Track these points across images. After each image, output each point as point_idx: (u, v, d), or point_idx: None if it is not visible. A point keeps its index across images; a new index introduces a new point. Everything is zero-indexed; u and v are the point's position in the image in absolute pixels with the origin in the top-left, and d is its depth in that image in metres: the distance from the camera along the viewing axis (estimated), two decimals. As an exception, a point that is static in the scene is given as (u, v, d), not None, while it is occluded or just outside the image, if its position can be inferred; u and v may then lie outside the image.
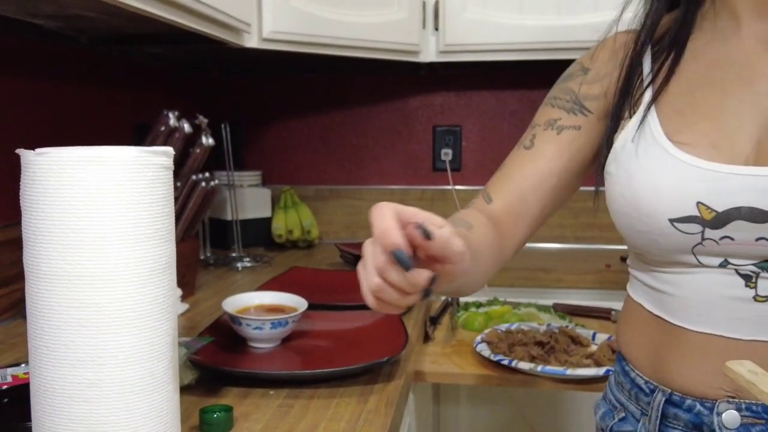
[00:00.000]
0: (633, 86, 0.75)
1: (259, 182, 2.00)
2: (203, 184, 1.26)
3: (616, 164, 0.73)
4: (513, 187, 0.79)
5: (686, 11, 0.76)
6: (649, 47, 0.76)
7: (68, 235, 0.54)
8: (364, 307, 1.13)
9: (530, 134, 0.81)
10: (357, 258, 1.59)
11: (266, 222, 1.94)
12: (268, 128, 2.11)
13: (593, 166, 0.80)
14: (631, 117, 0.74)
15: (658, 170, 0.68)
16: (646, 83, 0.74)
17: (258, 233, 1.93)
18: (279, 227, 1.91)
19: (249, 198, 1.92)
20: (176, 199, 1.25)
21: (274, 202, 1.99)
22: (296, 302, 1.01)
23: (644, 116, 0.72)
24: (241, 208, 1.85)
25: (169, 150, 0.60)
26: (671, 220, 0.67)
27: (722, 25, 0.74)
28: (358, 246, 1.77)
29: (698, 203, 0.65)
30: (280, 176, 2.11)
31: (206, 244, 1.77)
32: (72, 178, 0.54)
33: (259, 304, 1.02)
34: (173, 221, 0.62)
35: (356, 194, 2.07)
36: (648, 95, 0.73)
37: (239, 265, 1.65)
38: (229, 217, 1.83)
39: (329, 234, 2.06)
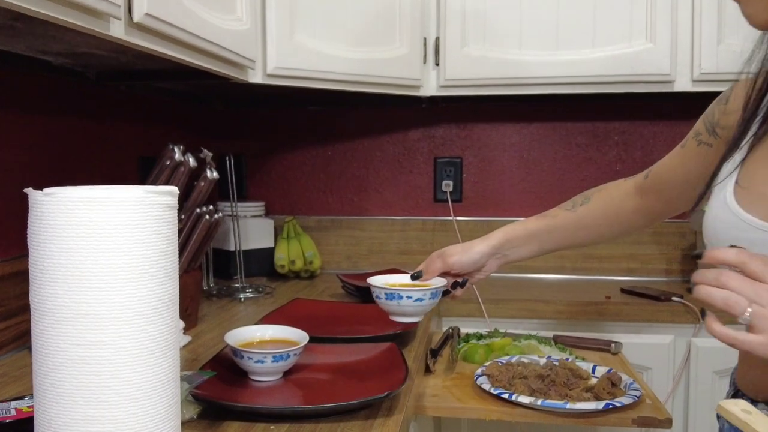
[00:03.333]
0: (744, 131, 0.81)
1: (262, 213, 2.01)
2: (207, 216, 1.27)
3: (711, 193, 0.83)
4: (661, 170, 1.02)
5: None
6: None
7: (74, 274, 0.55)
8: (365, 339, 1.15)
9: (687, 136, 0.97)
10: (358, 290, 1.59)
11: (269, 252, 1.95)
12: (272, 160, 2.13)
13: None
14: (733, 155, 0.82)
15: (715, 214, 0.80)
16: (751, 133, 0.80)
17: (261, 263, 1.93)
18: (282, 257, 1.91)
19: (252, 228, 1.93)
20: (180, 231, 1.26)
21: (277, 233, 2.00)
22: (298, 336, 1.01)
23: (737, 166, 0.80)
24: (244, 238, 1.86)
25: (174, 189, 0.61)
26: None
27: None
28: (360, 277, 1.78)
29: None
30: (283, 207, 2.13)
31: (209, 274, 1.78)
32: (79, 218, 0.55)
33: (261, 338, 1.03)
34: (177, 259, 0.63)
35: (358, 225, 2.09)
36: (745, 149, 0.80)
37: (242, 296, 1.65)
38: (232, 248, 1.84)
39: (331, 264, 2.07)
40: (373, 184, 2.10)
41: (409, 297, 1.02)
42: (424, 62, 1.71)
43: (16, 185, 1.21)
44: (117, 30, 0.88)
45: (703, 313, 0.68)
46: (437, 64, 1.71)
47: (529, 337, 1.42)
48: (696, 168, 0.94)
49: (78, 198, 0.55)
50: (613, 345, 1.39)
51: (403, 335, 1.24)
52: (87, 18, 0.83)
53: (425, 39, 1.71)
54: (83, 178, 1.43)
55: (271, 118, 2.13)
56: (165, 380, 0.59)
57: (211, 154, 1.34)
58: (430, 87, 1.73)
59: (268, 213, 2.09)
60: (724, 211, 0.79)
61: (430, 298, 1.04)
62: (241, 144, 2.12)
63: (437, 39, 1.71)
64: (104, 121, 1.52)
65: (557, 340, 1.45)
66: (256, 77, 1.39)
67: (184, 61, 1.08)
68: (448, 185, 2.05)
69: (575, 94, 1.72)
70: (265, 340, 1.02)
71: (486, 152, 2.05)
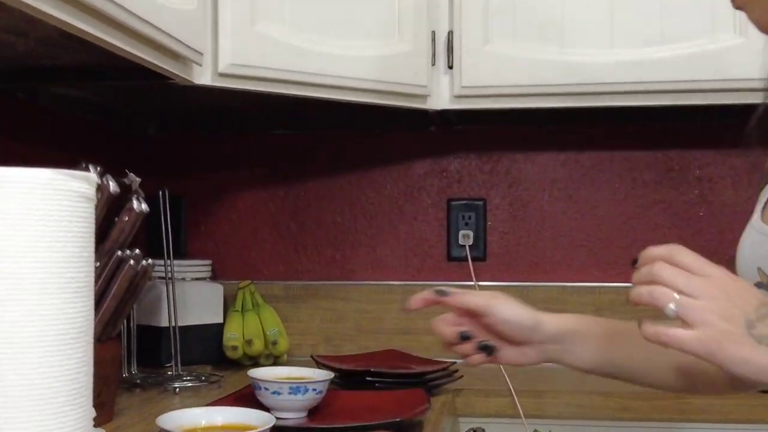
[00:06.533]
0: None
1: (207, 275, 2.01)
2: (132, 262, 1.28)
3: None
4: None
5: None
6: None
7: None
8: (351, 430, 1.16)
9: None
10: (342, 375, 1.59)
11: (216, 330, 1.94)
12: (222, 203, 2.16)
13: None
14: None
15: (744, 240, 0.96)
16: None
17: (205, 345, 1.93)
18: (233, 337, 1.91)
19: (193, 296, 1.93)
20: (95, 279, 1.27)
21: (228, 303, 2.00)
22: (261, 420, 1.02)
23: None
24: (181, 310, 1.86)
25: (92, 176, 0.63)
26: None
27: None
28: (345, 359, 1.78)
29: (758, 268, 0.85)
30: (237, 268, 2.13)
31: (131, 358, 1.77)
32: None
33: (208, 424, 1.04)
34: (93, 272, 0.64)
35: (341, 293, 2.09)
36: None
37: (176, 385, 1.65)
38: (164, 323, 1.84)
39: (303, 348, 2.06)
40: (363, 237, 2.12)
41: (266, 389, 1.30)
42: (433, 64, 1.76)
43: None
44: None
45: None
46: (450, 67, 1.76)
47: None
48: None
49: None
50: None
51: (404, 427, 1.24)
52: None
53: (434, 33, 1.76)
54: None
55: (222, 147, 2.17)
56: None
57: (139, 180, 1.37)
58: (442, 97, 1.78)
59: (216, 276, 2.10)
60: (751, 233, 0.97)
61: (289, 393, 1.28)
62: (181, 182, 2.15)
63: (450, 33, 1.76)
64: (-7, 138, 1.54)
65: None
66: (204, 76, 1.43)
67: (106, 43, 1.11)
68: (467, 237, 2.07)
69: (638, 108, 1.75)
70: (214, 426, 1.03)
71: (519, 192, 2.08)
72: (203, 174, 2.16)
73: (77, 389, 0.63)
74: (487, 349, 1.04)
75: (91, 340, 0.66)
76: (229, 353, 1.90)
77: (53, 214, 0.59)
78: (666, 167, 2.05)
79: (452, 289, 1.05)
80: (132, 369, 1.75)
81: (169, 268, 1.78)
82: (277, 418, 1.07)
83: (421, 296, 1.06)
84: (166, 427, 0.97)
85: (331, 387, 1.40)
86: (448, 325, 1.05)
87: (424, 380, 1.61)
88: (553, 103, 1.75)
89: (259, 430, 0.97)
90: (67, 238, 0.60)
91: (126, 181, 1.34)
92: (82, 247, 0.61)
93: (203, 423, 1.04)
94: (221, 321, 1.96)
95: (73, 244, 0.60)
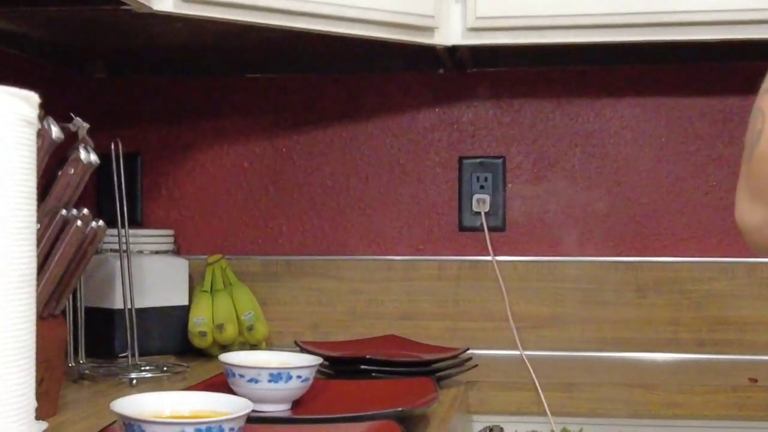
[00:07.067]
0: None
1: (169, 248, 2.02)
2: (79, 223, 1.28)
3: None
4: None
5: None
6: None
7: None
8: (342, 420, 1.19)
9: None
10: (332, 363, 1.60)
11: (180, 313, 1.95)
12: (186, 161, 2.17)
13: None
14: None
15: None
16: None
17: (167, 332, 1.94)
18: (201, 321, 1.92)
19: (153, 273, 1.94)
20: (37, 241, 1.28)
21: (194, 282, 2.01)
22: (237, 406, 1.03)
23: None
24: (138, 289, 1.86)
25: (33, 96, 0.64)
26: None
27: None
28: (334, 345, 1.78)
29: None
30: (205, 240, 2.14)
31: (78, 346, 1.77)
32: None
33: (174, 413, 1.04)
34: (35, 217, 0.65)
35: (330, 270, 2.10)
36: None
37: (134, 376, 1.66)
38: (118, 305, 1.85)
39: (285, 335, 2.06)
40: (357, 203, 2.13)
41: (241, 376, 1.29)
42: (442, -11, 1.76)
43: None
44: None
45: None
46: (463, -7, 1.76)
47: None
48: None
49: None
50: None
51: (405, 420, 1.25)
52: None
53: (443, -49, 1.76)
54: None
55: (186, 94, 2.17)
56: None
57: (87, 126, 1.37)
58: (452, 31, 1.78)
59: (180, 250, 2.11)
60: None
61: (269, 381, 1.27)
62: (135, 136, 2.15)
63: (462, -48, 1.76)
64: None
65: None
66: (165, 2, 1.43)
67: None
68: (482, 203, 2.07)
69: (691, 44, 1.75)
70: (180, 415, 1.03)
71: (545, 148, 2.09)
72: (163, 126, 2.16)
73: (19, 364, 0.64)
74: None
75: (34, 302, 0.67)
76: (197, 341, 1.91)
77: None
78: (724, 117, 2.05)
79: None
80: (79, 358, 1.76)
81: (123, 239, 1.78)
82: (255, 412, 1.07)
83: None
84: (124, 412, 0.97)
85: (319, 376, 1.41)
86: None
87: (430, 369, 1.61)
88: (587, 37, 1.75)
89: (232, 416, 0.97)
90: (5, 168, 0.61)
91: (71, 127, 1.35)
92: (24, 180, 0.62)
93: (167, 412, 1.03)
94: (186, 303, 1.96)
95: (11, 176, 0.61)
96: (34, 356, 0.64)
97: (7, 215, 0.61)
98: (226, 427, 0.96)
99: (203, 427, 0.94)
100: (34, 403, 0.97)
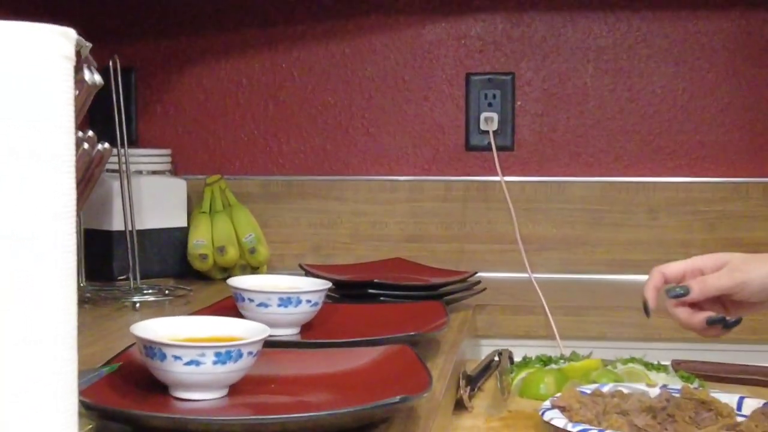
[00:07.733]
0: None
1: (166, 168, 2.01)
2: (85, 146, 1.26)
3: None
4: None
5: None
6: None
7: None
8: (352, 344, 1.21)
9: None
10: (338, 287, 1.60)
11: (179, 235, 1.95)
12: (182, 76, 2.13)
13: None
14: None
15: None
16: None
17: (166, 254, 1.94)
18: (201, 244, 1.91)
19: (150, 194, 1.93)
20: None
21: (192, 203, 1.99)
22: (254, 330, 1.06)
23: None
24: (136, 210, 1.85)
25: (70, 32, 0.62)
26: None
27: None
28: (339, 269, 1.78)
29: None
30: (203, 160, 2.13)
31: (79, 269, 1.75)
32: None
33: (190, 336, 1.07)
34: (74, 147, 0.63)
35: (333, 191, 2.09)
36: None
37: (136, 299, 1.66)
38: (117, 227, 1.84)
39: (286, 258, 2.07)
40: (360, 121, 2.10)
41: (250, 300, 1.31)
42: None
43: None
44: None
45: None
46: None
47: (630, 360, 1.43)
48: None
49: None
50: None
51: (417, 344, 1.26)
52: None
53: None
54: None
55: (182, 6, 2.12)
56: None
57: (89, 45, 1.33)
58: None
59: (177, 170, 2.09)
60: None
61: (278, 306, 1.29)
62: (128, 50, 2.10)
63: None
64: None
65: (678, 366, 1.46)
66: None
67: None
68: (490, 121, 2.05)
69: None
70: (198, 338, 1.07)
71: (556, 64, 2.06)
72: (158, 41, 2.13)
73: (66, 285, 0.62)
74: (728, 325, 1.18)
75: (74, 228, 0.66)
76: (197, 263, 1.91)
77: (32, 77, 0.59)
78: (744, 32, 2.02)
79: (689, 283, 1.12)
80: (80, 281, 1.74)
81: (124, 159, 1.77)
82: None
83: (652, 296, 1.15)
84: (145, 335, 1.01)
85: (326, 300, 1.41)
86: (673, 306, 1.15)
87: (439, 293, 1.61)
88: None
89: (251, 340, 1.01)
90: (48, 102, 0.60)
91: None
92: (67, 117, 0.61)
93: (184, 336, 1.07)
94: (185, 225, 1.97)
95: (53, 110, 0.60)
96: (75, 281, 0.63)
97: (47, 149, 0.60)
98: (245, 351, 1.02)
99: (223, 350, 0.99)
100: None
